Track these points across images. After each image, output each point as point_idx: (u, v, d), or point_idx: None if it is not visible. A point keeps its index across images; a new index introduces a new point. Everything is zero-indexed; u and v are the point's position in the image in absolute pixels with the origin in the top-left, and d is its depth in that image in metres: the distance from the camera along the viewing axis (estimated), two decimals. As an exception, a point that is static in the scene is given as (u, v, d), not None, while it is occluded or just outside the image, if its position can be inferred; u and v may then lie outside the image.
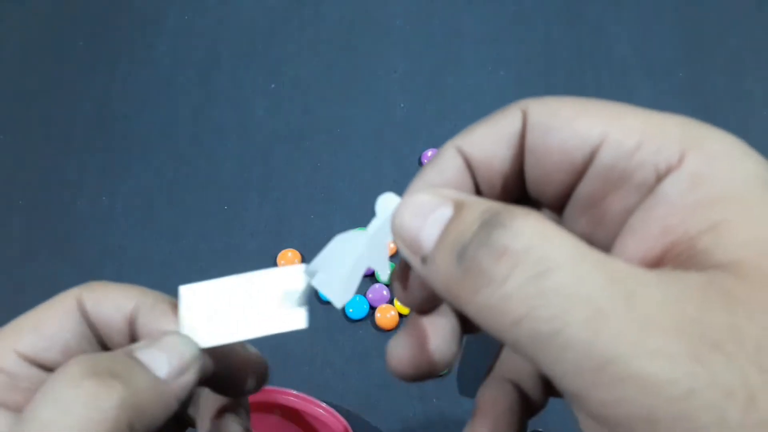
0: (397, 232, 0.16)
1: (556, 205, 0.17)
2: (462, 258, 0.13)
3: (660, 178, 0.14)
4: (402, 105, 0.63)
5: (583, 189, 0.16)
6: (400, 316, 0.51)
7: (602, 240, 0.16)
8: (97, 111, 0.64)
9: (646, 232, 0.14)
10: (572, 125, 0.15)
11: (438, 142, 0.60)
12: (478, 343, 0.51)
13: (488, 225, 0.13)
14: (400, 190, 0.58)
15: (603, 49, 0.65)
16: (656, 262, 0.14)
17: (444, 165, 0.17)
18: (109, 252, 0.56)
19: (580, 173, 0.15)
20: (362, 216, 0.57)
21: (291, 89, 0.64)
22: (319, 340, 0.52)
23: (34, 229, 0.58)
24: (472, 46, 0.66)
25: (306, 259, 0.55)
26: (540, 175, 0.16)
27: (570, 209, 0.16)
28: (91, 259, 0.56)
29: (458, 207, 0.14)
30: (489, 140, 0.16)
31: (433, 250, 0.14)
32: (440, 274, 0.14)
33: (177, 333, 0.19)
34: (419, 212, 0.15)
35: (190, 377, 0.18)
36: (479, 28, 0.67)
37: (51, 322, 0.19)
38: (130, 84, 0.65)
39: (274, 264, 0.54)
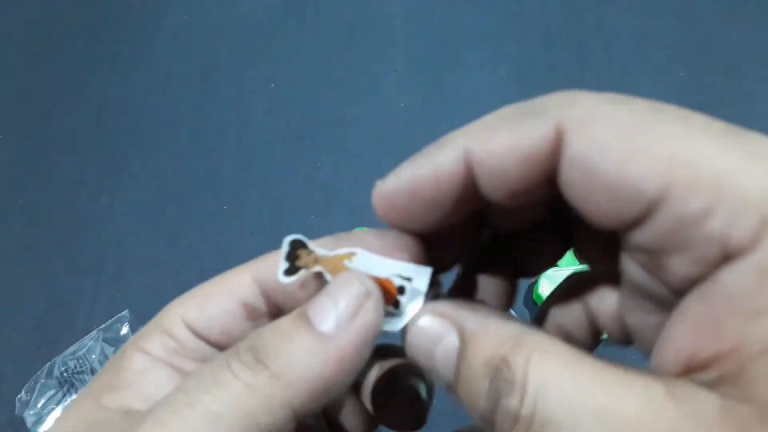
0: (414, 357, 0.15)
1: (610, 235, 0.14)
2: (483, 418, 0.14)
3: (726, 257, 0.11)
4: (402, 105, 0.63)
5: (640, 238, 0.13)
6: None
7: (659, 292, 0.14)
8: (97, 111, 0.64)
9: (699, 330, 0.12)
10: (624, 172, 0.12)
11: (438, 142, 0.60)
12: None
13: (496, 391, 0.13)
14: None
15: (603, 49, 0.65)
16: (705, 363, 0.12)
17: (441, 164, 0.15)
18: (109, 252, 0.56)
19: (635, 224, 0.12)
20: (362, 216, 0.56)
21: (291, 89, 0.64)
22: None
23: (34, 229, 0.58)
24: (472, 46, 0.66)
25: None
26: (584, 213, 0.13)
27: (626, 244, 0.14)
28: (91, 259, 0.56)
29: (463, 341, 0.14)
30: (509, 156, 0.13)
31: (455, 388, 0.14)
32: (469, 410, 0.14)
33: (344, 270, 0.16)
34: (427, 341, 0.15)
35: (365, 318, 0.15)
36: (479, 28, 0.67)
37: (216, 302, 0.17)
38: (130, 84, 0.65)
39: (274, 264, 0.54)
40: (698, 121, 0.12)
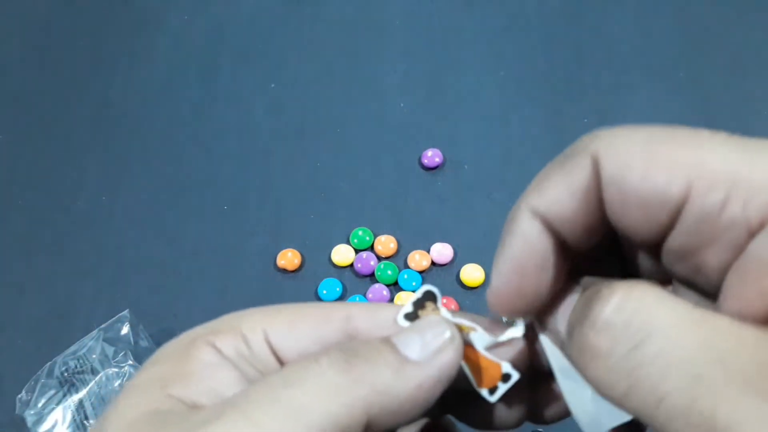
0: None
1: (651, 247, 0.16)
2: (570, 335, 0.14)
3: (752, 233, 0.13)
4: (402, 105, 0.63)
5: (674, 242, 0.14)
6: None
7: (704, 287, 0.15)
8: (97, 111, 0.64)
9: (745, 296, 0.13)
10: (649, 181, 0.14)
11: (438, 142, 0.60)
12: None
13: (590, 301, 0.14)
14: (400, 190, 0.58)
15: (603, 49, 0.65)
16: (763, 321, 0.13)
17: (523, 233, 0.16)
18: (109, 252, 0.56)
19: (667, 228, 0.14)
20: (362, 216, 0.56)
21: (291, 89, 0.64)
22: (319, 340, 0.51)
23: (34, 229, 0.58)
24: (472, 46, 0.66)
25: (306, 258, 0.55)
26: (625, 228, 0.15)
27: (665, 255, 0.15)
28: (92, 259, 0.56)
29: (582, 292, 0.15)
30: (563, 198, 0.15)
31: (570, 333, 0.15)
32: (564, 348, 0.15)
33: (437, 316, 0.17)
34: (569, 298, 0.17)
35: (445, 357, 0.16)
36: (479, 28, 0.67)
37: (304, 328, 0.18)
38: (130, 84, 0.65)
39: (275, 264, 0.54)
40: (706, 132, 0.14)
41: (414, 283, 0.52)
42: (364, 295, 0.52)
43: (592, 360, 0.13)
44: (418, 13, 0.68)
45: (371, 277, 0.53)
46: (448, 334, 0.16)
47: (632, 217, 0.14)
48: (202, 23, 0.69)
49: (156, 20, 0.69)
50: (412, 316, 0.18)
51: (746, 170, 0.13)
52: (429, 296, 0.18)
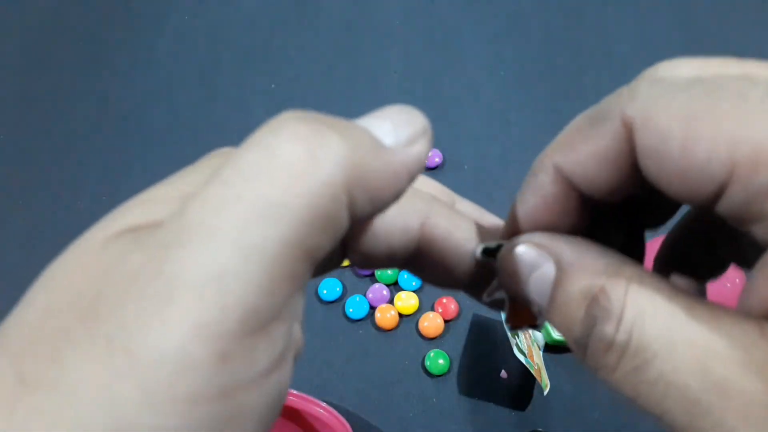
0: (506, 284, 0.16)
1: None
2: (577, 343, 0.14)
3: None
4: (402, 105, 0.63)
5: (718, 211, 0.13)
6: (400, 315, 0.51)
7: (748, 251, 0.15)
8: (97, 111, 0.64)
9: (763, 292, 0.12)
10: (689, 157, 0.12)
11: (438, 142, 0.60)
12: (478, 343, 0.51)
13: (592, 318, 0.14)
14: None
15: (603, 49, 0.65)
16: None
17: (542, 189, 0.15)
18: (109, 252, 0.56)
19: (709, 202, 0.13)
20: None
21: (291, 89, 0.64)
22: (319, 340, 0.52)
23: (34, 229, 0.58)
24: (472, 46, 0.66)
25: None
26: (668, 194, 0.14)
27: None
28: (91, 259, 0.56)
29: (560, 269, 0.15)
30: (590, 161, 0.14)
31: (549, 313, 0.15)
32: (563, 334, 0.15)
33: (402, 105, 0.15)
34: (523, 268, 0.15)
35: (420, 149, 0.14)
36: (479, 28, 0.67)
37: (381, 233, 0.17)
38: (131, 84, 0.65)
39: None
40: (755, 97, 0.12)
41: (414, 283, 0.52)
42: (364, 295, 0.52)
43: (600, 369, 0.14)
44: (418, 13, 0.68)
45: (371, 277, 0.53)
46: (421, 124, 0.15)
47: (674, 190, 0.13)
48: (202, 23, 0.69)
49: (157, 21, 0.69)
50: (490, 253, 0.17)
51: None
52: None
